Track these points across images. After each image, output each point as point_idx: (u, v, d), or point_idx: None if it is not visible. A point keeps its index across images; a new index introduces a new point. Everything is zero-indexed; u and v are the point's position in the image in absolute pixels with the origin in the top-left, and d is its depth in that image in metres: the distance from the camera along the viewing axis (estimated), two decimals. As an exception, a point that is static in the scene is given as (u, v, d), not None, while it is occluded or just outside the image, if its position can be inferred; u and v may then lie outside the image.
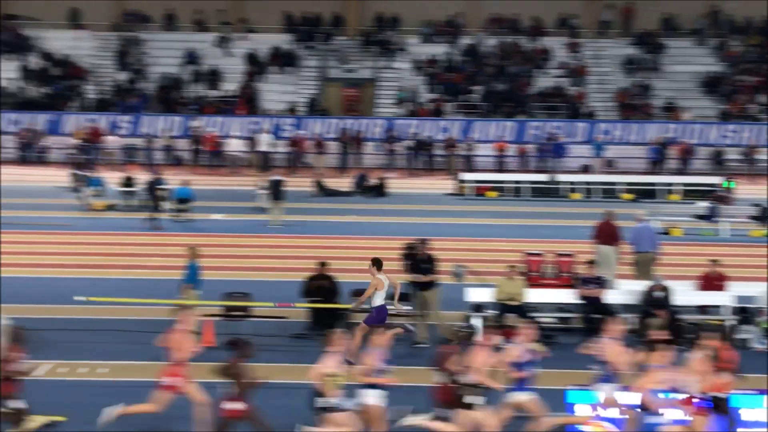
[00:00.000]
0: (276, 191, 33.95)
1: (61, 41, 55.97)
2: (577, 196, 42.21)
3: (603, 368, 14.78)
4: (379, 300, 18.91)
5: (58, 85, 53.06)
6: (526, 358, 14.77)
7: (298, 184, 41.68)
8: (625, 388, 14.83)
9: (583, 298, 21.26)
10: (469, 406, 14.11)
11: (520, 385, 14.72)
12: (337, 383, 13.95)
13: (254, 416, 14.07)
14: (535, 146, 49.08)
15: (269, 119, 50.44)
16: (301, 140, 48.64)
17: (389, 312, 19.12)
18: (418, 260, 20.59)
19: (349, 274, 24.19)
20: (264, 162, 46.76)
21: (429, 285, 20.41)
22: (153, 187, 33.72)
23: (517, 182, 43.39)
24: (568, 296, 21.62)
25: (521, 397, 14.72)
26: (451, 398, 14.37)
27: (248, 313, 20.84)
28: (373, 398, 14.35)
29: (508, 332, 17.37)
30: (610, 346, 14.77)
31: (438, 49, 55.55)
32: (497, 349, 15.08)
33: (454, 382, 14.37)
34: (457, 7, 57.03)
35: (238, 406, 13.92)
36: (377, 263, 19.16)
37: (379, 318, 18.70)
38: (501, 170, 47.02)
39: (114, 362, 18.74)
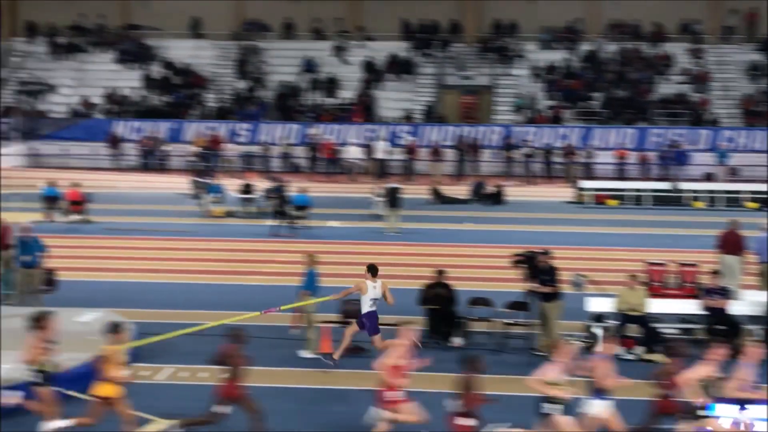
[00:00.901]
0: (392, 199, 33.91)
1: (182, 50, 56.93)
2: (700, 204, 41.29)
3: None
4: (366, 307, 18.83)
5: (179, 93, 53.90)
6: (751, 379, 14.36)
7: (414, 191, 41.62)
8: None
9: (707, 308, 20.67)
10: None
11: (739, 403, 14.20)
12: (560, 390, 13.93)
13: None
14: (657, 154, 48.17)
15: (386, 127, 50.45)
16: (418, 148, 48.53)
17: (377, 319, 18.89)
18: (539, 270, 20.23)
19: (467, 282, 24.04)
20: (380, 169, 46.79)
21: (551, 296, 20.03)
22: (274, 193, 33.90)
23: (638, 190, 42.63)
24: (691, 307, 21.04)
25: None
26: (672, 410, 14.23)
27: (366, 321, 20.70)
28: (597, 408, 14.25)
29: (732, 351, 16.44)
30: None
31: (557, 56, 54.96)
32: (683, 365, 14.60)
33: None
34: (577, 12, 56.35)
35: (469, 422, 13.73)
36: (372, 269, 19.13)
37: (370, 325, 18.66)
38: (621, 178, 46.32)
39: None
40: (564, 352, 14.29)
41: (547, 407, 14.05)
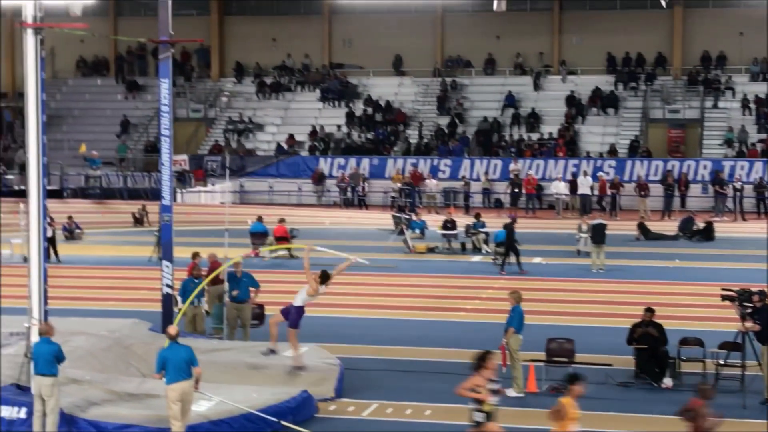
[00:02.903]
0: (597, 235, 33.23)
1: (384, 88, 57.64)
2: None
3: None
4: (300, 302, 19.55)
5: (382, 130, 54.47)
6: None
7: (620, 227, 40.81)
8: None
9: None
10: None
11: None
12: None
13: None
14: None
15: (590, 161, 49.67)
16: (623, 182, 47.56)
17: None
18: (758, 310, 19.29)
19: (677, 321, 23.30)
20: (584, 205, 46.05)
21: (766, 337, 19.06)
22: (509, 232, 33.17)
23: None
24: None
25: None
26: None
27: (572, 360, 20.24)
28: None
29: None
30: None
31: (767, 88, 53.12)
32: None
33: None
34: (788, 42, 54.44)
35: None
36: (324, 277, 19.83)
37: (295, 319, 19.44)
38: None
39: (438, 405, 18.57)
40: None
41: None
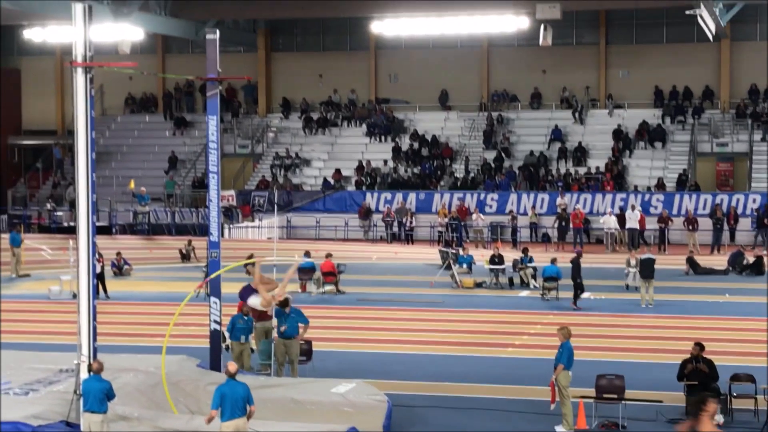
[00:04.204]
0: (646, 269, 32.95)
1: (430, 122, 57.71)
2: None
3: None
4: (252, 304, 21.01)
5: (428, 164, 54.49)
6: None
7: (669, 262, 40.46)
8: None
9: None
10: None
11: None
12: None
13: None
14: None
15: (637, 195, 49.35)
16: (672, 217, 47.18)
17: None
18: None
19: (728, 357, 23.01)
20: (633, 239, 45.71)
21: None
22: (575, 267, 32.86)
23: None
24: None
25: None
26: None
27: (622, 396, 20.04)
28: None
29: None
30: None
31: (817, 120, 52.65)
32: None
33: None
34: (838, 74, 53.95)
35: None
36: (283, 304, 21.31)
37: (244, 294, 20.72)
38: None
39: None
40: None
41: None
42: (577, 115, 55.89)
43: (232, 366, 16.20)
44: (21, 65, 64.18)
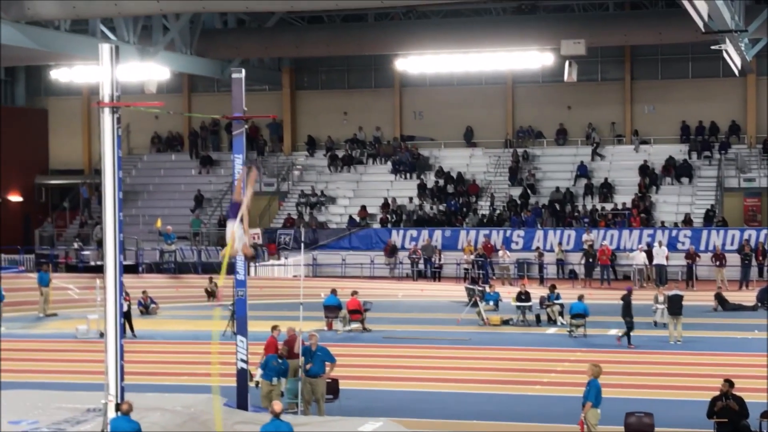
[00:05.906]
0: (674, 306, 32.72)
1: (455, 159, 57.74)
2: None
3: None
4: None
5: (453, 201, 54.44)
6: None
7: (697, 298, 40.16)
8: None
9: None
10: None
11: None
12: None
13: None
14: None
15: (665, 231, 49.13)
16: (699, 253, 46.90)
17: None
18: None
19: (758, 394, 22.74)
20: (660, 275, 45.45)
21: None
22: (626, 305, 32.61)
23: None
24: None
25: None
26: None
27: (651, 434, 19.84)
28: None
29: None
30: None
31: None
32: None
33: None
34: None
35: None
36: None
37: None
38: None
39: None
40: None
41: None
42: (595, 151, 55.76)
43: (278, 405, 16.23)
44: (48, 105, 64.71)
